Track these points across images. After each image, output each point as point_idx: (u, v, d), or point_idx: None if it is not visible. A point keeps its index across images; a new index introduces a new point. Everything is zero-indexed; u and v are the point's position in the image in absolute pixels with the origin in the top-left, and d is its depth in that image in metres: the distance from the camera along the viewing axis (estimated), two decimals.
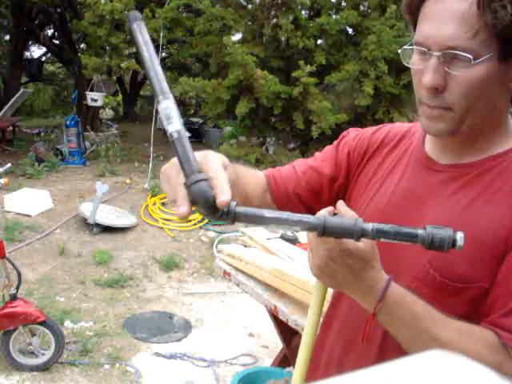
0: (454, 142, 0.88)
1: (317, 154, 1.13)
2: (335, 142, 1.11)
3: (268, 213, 0.72)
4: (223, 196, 0.68)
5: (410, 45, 0.85)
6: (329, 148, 1.11)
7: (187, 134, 0.73)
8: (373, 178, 1.00)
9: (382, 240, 0.73)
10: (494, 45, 0.77)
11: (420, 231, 0.71)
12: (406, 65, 0.88)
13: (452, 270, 0.83)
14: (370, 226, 0.73)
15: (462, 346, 0.76)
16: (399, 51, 0.88)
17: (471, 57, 0.77)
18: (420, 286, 0.86)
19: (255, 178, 1.11)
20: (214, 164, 0.73)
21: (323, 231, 0.72)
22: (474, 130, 0.85)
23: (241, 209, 0.72)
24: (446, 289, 0.84)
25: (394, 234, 0.72)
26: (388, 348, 0.90)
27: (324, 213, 0.76)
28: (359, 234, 0.72)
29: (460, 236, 0.70)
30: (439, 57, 0.79)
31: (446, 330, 0.78)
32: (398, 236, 0.72)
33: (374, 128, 1.07)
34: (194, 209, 0.72)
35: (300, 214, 0.74)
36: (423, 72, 0.82)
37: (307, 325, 0.91)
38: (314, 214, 0.81)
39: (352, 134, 1.09)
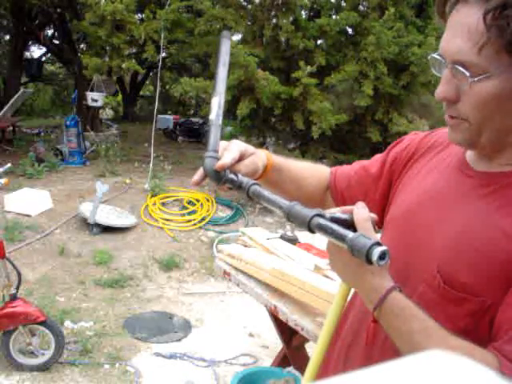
0: (486, 150, 0.86)
1: (378, 154, 1.17)
2: (394, 142, 1.14)
3: (266, 192, 0.91)
4: (219, 162, 0.94)
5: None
6: (385, 151, 1.15)
7: (219, 123, 0.98)
8: (415, 177, 1.01)
9: (324, 236, 0.79)
10: (505, 60, 0.75)
11: (349, 235, 0.73)
12: (434, 72, 0.87)
13: (456, 278, 0.82)
14: (317, 220, 0.78)
15: None
16: (429, 58, 0.88)
17: (468, 74, 0.77)
18: (426, 291, 0.86)
19: (318, 174, 1.19)
20: (231, 148, 0.97)
21: (288, 216, 0.83)
22: (498, 142, 0.84)
23: (253, 187, 0.92)
24: (448, 297, 0.83)
25: (331, 231, 0.77)
26: (390, 346, 0.89)
27: (295, 203, 0.84)
28: (307, 226, 0.80)
29: (377, 251, 0.69)
30: (451, 69, 0.80)
31: (440, 348, 0.76)
32: (333, 234, 0.77)
33: (430, 131, 1.09)
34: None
35: (283, 200, 0.86)
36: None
37: (327, 323, 0.92)
38: None
39: (408, 136, 1.11)
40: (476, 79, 0.77)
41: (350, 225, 0.80)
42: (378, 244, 0.70)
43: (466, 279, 0.81)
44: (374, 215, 0.84)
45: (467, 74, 0.77)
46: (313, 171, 1.20)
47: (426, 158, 1.02)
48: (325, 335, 0.91)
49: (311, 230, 0.79)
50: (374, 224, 0.83)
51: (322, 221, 0.78)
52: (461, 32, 0.77)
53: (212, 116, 0.98)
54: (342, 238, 0.75)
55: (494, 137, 0.82)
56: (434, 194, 0.92)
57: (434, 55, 0.84)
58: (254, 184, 0.92)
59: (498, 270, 0.78)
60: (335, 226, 0.76)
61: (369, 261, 0.70)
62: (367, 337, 0.90)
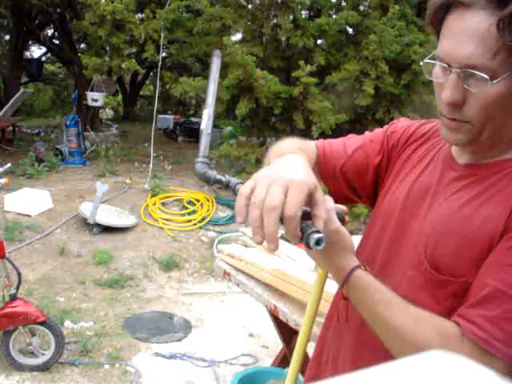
0: (483, 146, 0.91)
1: (366, 133, 1.17)
2: (385, 127, 1.14)
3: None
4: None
5: (431, 58, 0.88)
6: (378, 131, 1.15)
7: (209, 132, 1.12)
8: (402, 167, 1.05)
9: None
10: None
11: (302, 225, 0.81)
12: (428, 78, 0.90)
13: (440, 261, 0.88)
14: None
15: (415, 331, 0.82)
16: (421, 64, 0.91)
17: (487, 77, 0.79)
18: (415, 275, 0.92)
19: (307, 149, 1.12)
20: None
21: None
22: (494, 138, 0.88)
23: (239, 186, 0.96)
24: (434, 280, 0.89)
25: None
26: (360, 321, 0.96)
27: None
28: None
29: (314, 238, 0.77)
30: (459, 73, 0.82)
31: (400, 316, 0.84)
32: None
33: (422, 121, 1.11)
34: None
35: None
36: (444, 86, 0.85)
37: (309, 302, 0.99)
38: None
39: (402, 123, 1.13)
40: (495, 81, 0.79)
41: None
42: (317, 232, 0.78)
43: (449, 262, 0.87)
44: (343, 207, 0.92)
45: (486, 77, 0.79)
46: (303, 147, 1.11)
47: (412, 148, 1.06)
48: (309, 313, 1.00)
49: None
50: (341, 215, 0.91)
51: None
52: (472, 38, 0.79)
53: (203, 126, 1.12)
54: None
55: (492, 134, 0.87)
56: (421, 186, 0.98)
57: (435, 61, 0.87)
58: (240, 183, 0.99)
59: (478, 252, 0.84)
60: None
61: (308, 246, 0.79)
62: (338, 312, 0.98)
